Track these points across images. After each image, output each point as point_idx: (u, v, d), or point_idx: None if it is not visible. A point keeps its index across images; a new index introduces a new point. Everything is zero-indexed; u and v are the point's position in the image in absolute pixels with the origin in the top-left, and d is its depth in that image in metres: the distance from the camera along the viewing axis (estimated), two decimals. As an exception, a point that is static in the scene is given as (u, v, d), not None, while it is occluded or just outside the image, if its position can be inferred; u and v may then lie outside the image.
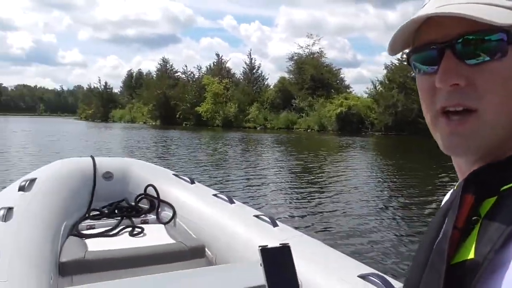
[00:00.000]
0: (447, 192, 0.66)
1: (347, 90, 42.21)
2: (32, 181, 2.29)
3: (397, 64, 33.38)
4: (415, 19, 0.51)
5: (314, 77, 41.51)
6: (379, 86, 35.87)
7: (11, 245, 1.59)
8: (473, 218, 0.48)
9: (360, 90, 46.93)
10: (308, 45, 44.32)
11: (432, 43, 0.52)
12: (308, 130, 36.89)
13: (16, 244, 1.63)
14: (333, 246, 2.01)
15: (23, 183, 2.21)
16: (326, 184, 9.02)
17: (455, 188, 0.63)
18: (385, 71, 35.58)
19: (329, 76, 42.46)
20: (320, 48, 44.64)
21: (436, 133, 0.55)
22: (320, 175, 10.32)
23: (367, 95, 37.94)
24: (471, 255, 0.45)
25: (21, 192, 2.14)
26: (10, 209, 1.86)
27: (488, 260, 0.43)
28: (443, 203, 0.64)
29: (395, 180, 9.91)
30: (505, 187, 0.48)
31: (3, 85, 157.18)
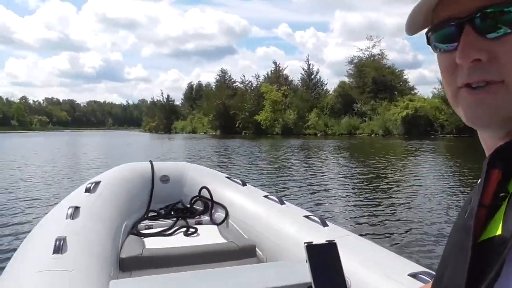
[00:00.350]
0: None
1: (412, 91, 40.46)
2: (97, 183, 2.52)
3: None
4: None
5: (376, 79, 40.35)
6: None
7: (77, 240, 1.77)
8: (501, 195, 0.47)
9: (423, 91, 44.80)
10: (368, 47, 43.41)
11: (451, 19, 0.52)
12: (372, 135, 35.74)
13: (82, 239, 1.80)
14: (388, 248, 1.96)
15: (89, 185, 2.45)
16: (390, 189, 8.68)
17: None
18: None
19: (391, 78, 41.11)
20: (380, 50, 43.47)
21: (458, 107, 0.54)
22: (385, 180, 9.95)
23: (434, 95, 36.02)
24: (499, 231, 0.45)
25: (87, 194, 2.36)
26: (77, 208, 2.06)
27: None
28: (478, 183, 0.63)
29: (467, 184, 9.26)
30: None
31: (76, 102, 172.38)
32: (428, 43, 0.57)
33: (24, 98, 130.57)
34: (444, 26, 0.53)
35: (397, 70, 42.89)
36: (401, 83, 41.94)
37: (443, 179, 10.42)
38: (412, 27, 0.56)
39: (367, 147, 23.70)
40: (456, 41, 0.51)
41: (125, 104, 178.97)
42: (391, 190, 8.54)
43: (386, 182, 9.63)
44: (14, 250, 1.89)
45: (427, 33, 0.56)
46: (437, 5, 0.53)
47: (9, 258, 1.76)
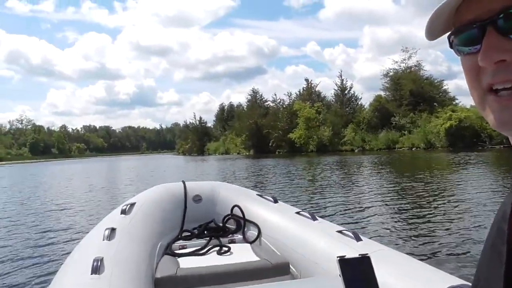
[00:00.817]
0: None
1: (453, 102, 39.44)
2: (132, 205, 2.64)
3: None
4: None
5: (414, 91, 39.69)
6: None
7: (114, 261, 1.86)
8: None
9: (464, 102, 43.67)
10: (404, 59, 42.96)
11: (472, 21, 0.52)
12: (413, 149, 34.81)
13: (118, 260, 1.90)
14: (425, 262, 1.93)
15: (124, 207, 2.57)
16: (432, 203, 8.37)
17: None
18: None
19: (430, 89, 40.40)
20: (417, 61, 42.85)
21: (486, 112, 0.54)
22: (427, 194, 9.62)
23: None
24: None
25: (122, 215, 2.48)
26: (113, 230, 2.17)
27: None
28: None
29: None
30: None
31: (112, 128, 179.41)
32: (451, 46, 0.57)
33: (64, 127, 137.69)
34: (466, 29, 0.53)
35: (436, 81, 41.99)
36: (440, 94, 40.99)
37: (492, 192, 9.94)
38: (433, 32, 0.56)
39: (407, 161, 23.05)
40: (479, 43, 0.51)
41: (158, 128, 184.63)
42: (433, 205, 8.24)
43: (428, 197, 9.31)
44: (56, 271, 2.01)
45: (449, 37, 0.57)
46: (458, 8, 0.53)
47: (51, 279, 1.89)
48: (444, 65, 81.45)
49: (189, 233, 2.79)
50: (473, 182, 11.85)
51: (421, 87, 40.10)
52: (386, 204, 8.62)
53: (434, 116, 35.16)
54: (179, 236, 2.76)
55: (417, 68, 42.76)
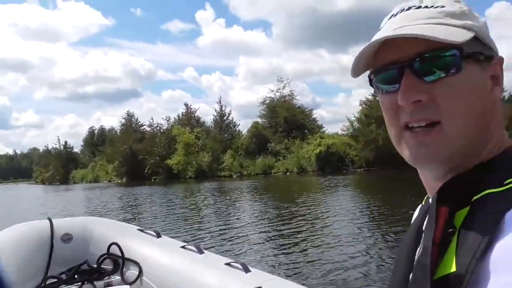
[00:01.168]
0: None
1: (321, 130, 43.84)
2: None
3: (372, 99, 34.77)
4: (375, 42, 0.58)
5: (288, 119, 43.07)
6: (356, 123, 37.26)
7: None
8: (449, 231, 0.52)
9: (329, 129, 50.88)
10: (279, 89, 46.37)
11: (392, 63, 0.58)
12: (287, 173, 37.29)
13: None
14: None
15: None
16: (308, 226, 9.00)
17: (423, 203, 0.70)
18: (360, 108, 37.09)
19: (302, 117, 44.34)
20: (290, 91, 46.71)
21: (402, 147, 0.61)
22: (302, 218, 10.31)
23: (344, 132, 39.36)
24: (453, 268, 0.48)
25: None
26: None
27: (470, 271, 0.46)
28: (413, 219, 0.71)
29: (376, 215, 9.99)
30: (476, 197, 0.51)
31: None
32: (371, 84, 0.64)
33: None
34: (386, 69, 0.59)
35: (306, 110, 46.15)
36: (310, 121, 45.18)
37: (357, 211, 11.13)
38: (356, 70, 0.62)
39: (282, 186, 24.50)
40: (398, 83, 0.58)
41: (11, 153, 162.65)
42: (308, 228, 8.86)
43: (304, 220, 9.99)
44: None
45: (369, 75, 0.63)
46: (378, 50, 0.60)
47: None
48: (309, 96, 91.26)
49: (56, 279, 2.47)
50: (339, 203, 13.14)
51: (294, 115, 43.58)
52: (267, 231, 8.97)
53: (305, 143, 38.38)
54: (43, 285, 2.43)
55: (290, 97, 46.51)
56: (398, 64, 0.57)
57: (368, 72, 0.63)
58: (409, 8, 0.60)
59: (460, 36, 0.54)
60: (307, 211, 11.63)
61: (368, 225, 9.06)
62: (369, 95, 35.54)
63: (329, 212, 11.33)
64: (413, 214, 0.72)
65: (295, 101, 46.48)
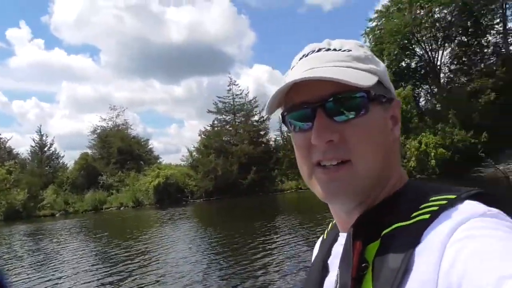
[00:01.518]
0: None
1: (157, 160, 43.00)
2: None
3: (210, 129, 35.54)
4: (289, 84, 0.59)
5: (122, 149, 40.76)
6: (195, 153, 37.26)
7: None
8: (363, 265, 0.55)
9: (166, 160, 50.78)
10: (112, 117, 43.78)
11: (305, 103, 0.61)
12: (121, 208, 34.69)
13: None
14: None
15: None
16: (145, 264, 8.09)
17: (324, 237, 0.72)
18: (199, 138, 37.39)
19: (138, 148, 42.63)
20: (125, 120, 44.57)
21: (313, 183, 0.63)
22: (136, 256, 9.30)
23: (183, 163, 38.98)
24: None
25: None
26: None
27: None
28: (314, 254, 0.72)
29: (215, 244, 9.77)
30: (386, 231, 0.55)
31: None
32: (283, 121, 0.66)
33: None
34: (299, 108, 0.62)
35: (142, 140, 44.50)
36: (147, 152, 43.66)
37: (192, 243, 10.67)
38: (270, 109, 0.65)
39: (116, 222, 22.56)
40: (311, 121, 0.60)
41: None
42: (146, 266, 7.97)
43: (142, 259, 9.07)
44: None
45: (282, 113, 0.65)
46: (289, 91, 0.62)
47: None
48: (140, 126, 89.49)
49: None
50: (179, 235, 12.51)
51: (129, 145, 41.50)
52: (103, 275, 7.68)
53: (142, 174, 36.53)
54: None
55: (124, 126, 44.24)
56: (311, 104, 0.61)
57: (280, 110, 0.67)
58: (319, 50, 0.65)
59: (367, 80, 0.59)
60: (146, 248, 10.66)
61: (208, 255, 8.71)
62: (208, 126, 36.30)
63: (167, 246, 10.72)
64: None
65: (130, 131, 44.53)
